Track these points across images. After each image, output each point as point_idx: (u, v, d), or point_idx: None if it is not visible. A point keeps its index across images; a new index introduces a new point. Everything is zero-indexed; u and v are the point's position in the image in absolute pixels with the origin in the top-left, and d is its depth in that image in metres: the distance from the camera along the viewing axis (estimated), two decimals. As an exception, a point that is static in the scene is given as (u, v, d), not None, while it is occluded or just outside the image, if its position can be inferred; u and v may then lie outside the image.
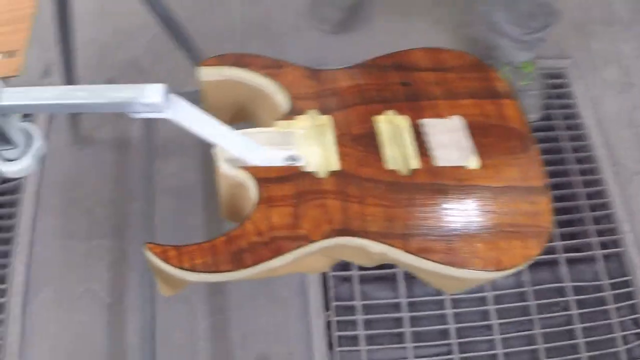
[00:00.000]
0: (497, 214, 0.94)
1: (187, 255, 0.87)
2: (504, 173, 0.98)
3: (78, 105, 0.82)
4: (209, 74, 1.03)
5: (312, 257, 0.93)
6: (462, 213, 0.94)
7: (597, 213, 2.09)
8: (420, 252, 0.90)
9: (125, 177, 2.17)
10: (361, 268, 1.94)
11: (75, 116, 2.09)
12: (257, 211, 0.90)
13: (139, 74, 2.32)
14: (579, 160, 2.20)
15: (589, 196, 2.13)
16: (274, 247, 0.88)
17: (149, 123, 1.91)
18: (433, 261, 0.90)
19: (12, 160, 0.94)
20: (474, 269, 0.90)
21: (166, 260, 0.87)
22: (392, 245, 0.90)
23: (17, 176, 0.93)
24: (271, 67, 1.04)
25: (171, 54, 2.34)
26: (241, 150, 0.93)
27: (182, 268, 0.86)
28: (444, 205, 0.94)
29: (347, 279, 1.94)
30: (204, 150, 2.12)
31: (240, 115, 1.10)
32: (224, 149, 0.95)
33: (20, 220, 2.12)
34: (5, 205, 2.18)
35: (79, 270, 2.01)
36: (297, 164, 0.95)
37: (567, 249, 2.02)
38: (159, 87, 0.81)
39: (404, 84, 1.06)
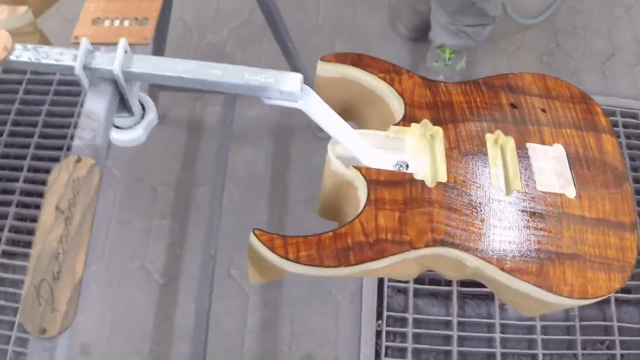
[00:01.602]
0: (588, 244, 0.94)
1: (293, 246, 0.87)
2: (598, 206, 0.98)
3: (211, 82, 0.83)
4: (327, 69, 1.04)
5: (408, 263, 0.94)
6: (556, 239, 0.94)
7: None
8: (513, 272, 0.90)
9: (193, 161, 2.18)
10: (417, 281, 1.94)
11: (153, 92, 2.10)
12: (365, 212, 0.90)
13: (218, 60, 2.34)
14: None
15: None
16: (378, 249, 0.88)
17: (227, 111, 1.91)
18: (525, 282, 0.90)
19: (123, 129, 0.95)
20: (561, 295, 0.90)
21: (272, 248, 0.87)
22: (489, 262, 0.90)
23: (127, 145, 0.94)
24: (389, 72, 1.04)
25: (255, 44, 2.37)
26: (357, 149, 0.93)
27: (286, 258, 0.86)
28: (541, 230, 0.94)
29: (402, 291, 1.95)
30: (276, 145, 2.14)
31: (347, 114, 1.10)
32: (336, 147, 0.95)
33: (82, 192, 2.13)
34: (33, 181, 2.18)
35: (135, 248, 2.03)
36: (406, 170, 0.95)
37: (618, 290, 2.01)
38: (297, 77, 0.82)
39: (512, 106, 1.06)
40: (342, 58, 1.04)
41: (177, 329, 1.91)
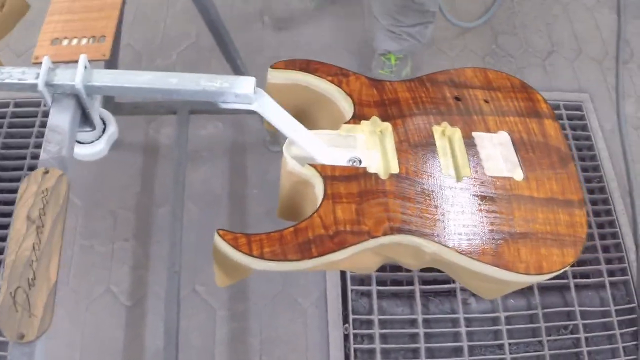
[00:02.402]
0: (539, 222, 0.99)
1: (256, 243, 0.90)
2: (546, 186, 1.03)
3: (170, 90, 0.87)
4: (277, 76, 1.08)
5: (368, 253, 0.97)
6: (508, 220, 0.98)
7: (607, 242, 2.15)
8: (470, 254, 0.94)
9: (151, 183, 2.20)
10: (379, 283, 1.97)
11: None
12: (323, 206, 0.94)
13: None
14: (592, 191, 2.26)
15: (600, 225, 2.19)
16: (338, 240, 0.91)
17: (182, 130, 1.94)
18: (482, 262, 0.94)
19: (86, 144, 0.98)
20: (517, 272, 0.95)
21: (237, 247, 0.90)
22: (446, 246, 0.94)
23: (90, 159, 0.98)
24: (337, 74, 1.09)
25: (204, 66, 2.40)
26: (312, 148, 0.97)
27: (251, 255, 0.89)
28: (493, 212, 0.98)
29: (365, 294, 1.98)
30: (231, 162, 2.17)
31: (298, 118, 1.14)
32: (291, 147, 0.99)
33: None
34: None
35: (99, 272, 2.04)
36: (360, 165, 0.99)
37: (577, 275, 2.06)
38: (250, 80, 0.86)
39: (457, 99, 1.10)
40: (291, 64, 1.08)
41: (147, 349, 1.92)
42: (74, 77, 0.86)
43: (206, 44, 2.47)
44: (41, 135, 2.34)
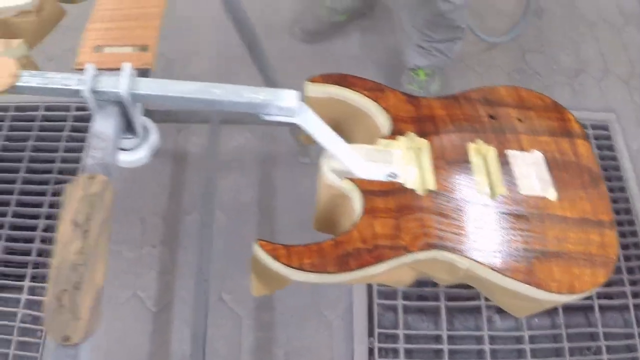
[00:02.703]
0: (571, 242, 0.99)
1: (296, 255, 0.91)
2: (578, 206, 1.03)
3: (214, 101, 0.88)
4: (314, 90, 1.09)
5: (404, 268, 0.98)
6: (541, 239, 0.99)
7: (631, 264, 2.14)
8: (503, 271, 0.95)
9: (180, 190, 2.21)
10: (405, 298, 1.98)
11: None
12: (362, 220, 0.95)
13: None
14: (617, 211, 2.25)
15: (625, 247, 2.18)
16: (376, 254, 0.92)
17: (213, 139, 1.96)
18: (515, 280, 0.95)
19: (128, 150, 0.99)
20: (550, 291, 0.95)
21: (276, 257, 0.91)
22: (480, 263, 0.95)
23: (131, 166, 0.99)
24: (373, 89, 1.10)
25: (235, 74, 2.42)
26: (351, 162, 0.98)
27: (290, 266, 0.91)
28: (526, 230, 0.99)
29: (391, 308, 1.98)
30: (261, 172, 2.18)
31: (335, 131, 1.15)
32: (330, 160, 1.00)
33: (71, 222, 2.14)
34: (58, 206, 2.22)
35: (127, 277, 2.06)
36: (397, 180, 1.00)
37: (601, 296, 2.06)
38: (294, 93, 0.87)
39: (491, 117, 1.11)
40: (329, 78, 1.09)
41: (173, 355, 1.93)
42: (119, 84, 0.87)
43: (237, 53, 2.47)
44: (71, 139, 2.38)
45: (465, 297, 2.01)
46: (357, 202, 0.98)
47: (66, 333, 0.75)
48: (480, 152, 1.07)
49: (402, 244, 0.94)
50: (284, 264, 0.91)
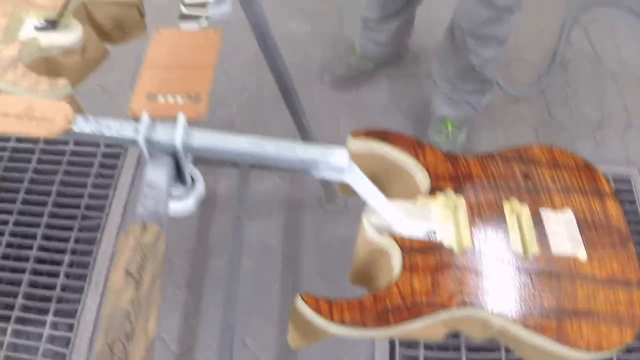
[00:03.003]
0: (600, 301, 1.00)
1: (337, 310, 0.93)
2: (607, 265, 1.05)
3: (266, 157, 0.90)
4: (356, 144, 1.11)
5: (438, 324, 0.99)
6: (571, 297, 1.00)
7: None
8: (535, 329, 0.96)
9: (207, 233, 2.22)
10: (427, 348, 1.98)
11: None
12: (401, 277, 0.97)
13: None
14: (639, 268, 2.24)
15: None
16: (414, 311, 0.94)
17: (243, 184, 1.98)
18: (546, 338, 0.96)
19: (176, 199, 1.01)
20: (579, 349, 0.96)
21: (318, 312, 0.93)
22: (513, 321, 0.97)
23: (178, 215, 1.01)
24: (414, 146, 1.12)
25: (263, 119, 2.44)
26: (393, 219, 1.00)
27: (331, 321, 0.92)
28: (557, 289, 1.01)
29: (413, 359, 1.99)
30: (287, 217, 2.19)
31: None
32: (371, 216, 1.02)
33: (96, 260, 2.18)
34: (83, 241, 2.24)
35: (150, 315, 2.05)
36: (435, 237, 1.02)
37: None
38: (344, 152, 0.89)
39: (525, 176, 1.13)
40: (371, 134, 1.12)
41: (193, 398, 1.94)
42: (174, 135, 0.90)
43: (267, 97, 2.51)
44: (99, 175, 2.41)
45: (486, 349, 2.01)
46: (396, 259, 1.00)
47: (117, 382, 0.76)
48: (515, 211, 1.08)
49: (439, 300, 0.96)
50: (326, 319, 0.92)
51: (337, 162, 0.88)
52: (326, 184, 2.18)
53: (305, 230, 2.26)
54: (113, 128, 0.92)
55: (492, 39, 2.09)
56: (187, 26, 1.13)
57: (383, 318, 0.93)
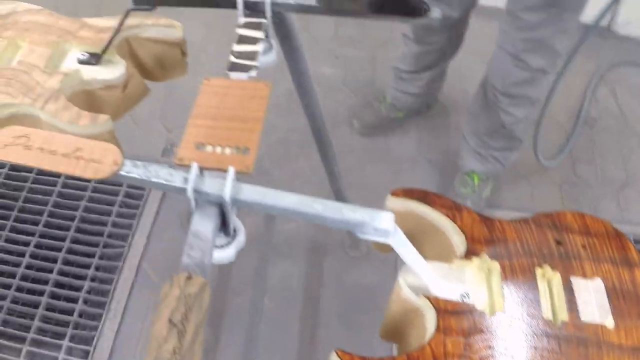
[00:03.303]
0: (626, 370, 1.02)
1: (370, 368, 0.94)
2: (633, 334, 1.05)
3: (314, 216, 0.91)
4: (395, 203, 1.13)
5: (466, 388, 1.00)
6: (599, 365, 1.01)
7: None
8: (564, 397, 0.97)
9: (228, 270, 2.23)
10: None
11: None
12: (435, 338, 0.98)
13: (259, 175, 2.42)
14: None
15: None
16: (446, 373, 0.95)
17: (268, 224, 1.99)
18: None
19: (217, 247, 1.02)
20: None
21: (352, 370, 0.94)
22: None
23: (218, 263, 1.02)
24: (452, 208, 1.13)
25: (291, 161, 2.46)
26: (430, 280, 1.01)
27: (364, 379, 0.93)
28: (584, 356, 1.01)
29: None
30: (310, 260, 2.21)
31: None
32: (407, 275, 1.03)
33: (116, 289, 2.19)
34: (104, 269, 2.26)
35: (168, 352, 2.05)
36: (469, 301, 1.03)
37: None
38: (390, 216, 0.90)
39: (558, 242, 1.14)
40: (410, 194, 1.13)
41: None
42: (223, 188, 0.91)
43: (296, 140, 2.53)
44: (124, 205, 2.43)
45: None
46: (430, 320, 1.01)
47: None
48: (546, 277, 1.09)
49: (470, 364, 0.97)
50: (359, 377, 0.93)
51: (383, 226, 0.89)
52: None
53: (326, 274, 2.27)
54: (161, 176, 0.94)
55: (524, 99, 2.11)
56: (237, 76, 1.14)
57: (415, 379, 0.94)
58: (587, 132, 2.83)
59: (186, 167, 0.96)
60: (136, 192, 2.51)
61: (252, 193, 0.92)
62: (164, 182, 0.94)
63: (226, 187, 0.92)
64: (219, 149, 1.00)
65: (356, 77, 2.93)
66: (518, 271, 1.08)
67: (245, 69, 1.15)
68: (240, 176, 0.95)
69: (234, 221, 1.00)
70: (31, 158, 0.97)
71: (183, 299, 0.85)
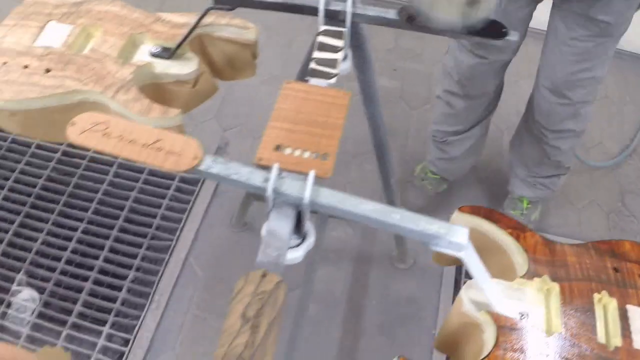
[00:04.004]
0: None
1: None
2: (683, 365, 1.07)
3: (389, 225, 0.93)
4: (461, 219, 1.14)
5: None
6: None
7: None
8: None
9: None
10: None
11: (247, 201, 2.20)
12: (494, 353, 1.00)
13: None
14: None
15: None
16: (504, 388, 0.97)
17: (318, 230, 2.01)
18: None
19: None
20: None
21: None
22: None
23: (289, 263, 1.03)
24: (516, 228, 1.15)
25: (343, 170, 2.47)
26: (493, 297, 1.03)
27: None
28: (634, 382, 1.03)
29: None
30: (355, 269, 2.22)
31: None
32: (470, 291, 1.05)
33: (161, 280, 2.21)
34: (150, 260, 2.29)
35: (208, 345, 2.10)
36: (527, 319, 1.05)
37: None
38: (465, 231, 0.92)
39: (615, 269, 1.16)
40: (477, 211, 1.15)
41: None
42: (303, 191, 0.93)
43: (350, 149, 2.55)
44: (175, 199, 2.45)
45: None
46: (489, 335, 1.02)
47: (230, 422, 0.77)
48: (603, 302, 1.11)
49: (527, 382, 0.98)
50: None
51: (458, 240, 0.91)
52: (400, 243, 2.20)
53: (371, 284, 2.28)
54: (242, 174, 0.96)
55: (570, 132, 2.12)
56: (316, 82, 1.16)
57: (474, 392, 0.96)
58: (636, 162, 2.82)
59: (265, 167, 0.97)
60: (188, 187, 2.54)
61: (331, 197, 0.94)
62: (244, 181, 0.96)
63: (306, 189, 0.93)
64: (297, 152, 1.01)
65: (414, 91, 2.94)
66: (576, 294, 1.10)
67: (326, 76, 1.17)
68: (318, 180, 0.97)
69: (307, 224, 1.02)
70: (110, 146, 0.99)
71: (257, 295, 0.87)
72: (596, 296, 1.10)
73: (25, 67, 1.23)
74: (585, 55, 1.86)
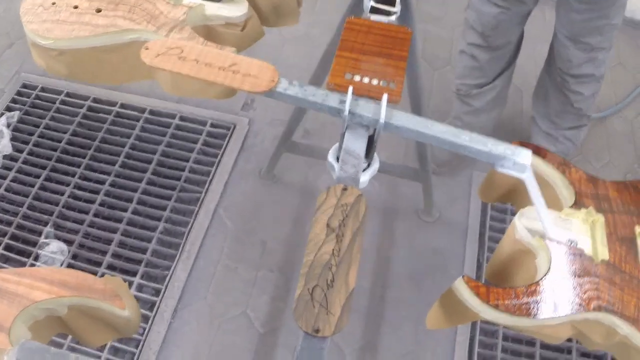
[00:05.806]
0: None
1: (494, 295, 1.01)
2: None
3: (459, 145, 0.99)
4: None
5: (568, 325, 1.07)
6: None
7: None
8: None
9: (302, 222, 2.32)
10: (504, 350, 2.03)
11: (278, 153, 2.26)
12: (547, 277, 1.05)
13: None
14: None
15: None
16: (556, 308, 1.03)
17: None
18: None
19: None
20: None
21: (477, 294, 1.01)
22: (638, 329, 1.04)
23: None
24: (562, 164, 1.20)
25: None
26: (548, 224, 1.08)
27: (487, 304, 1.00)
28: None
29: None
30: (382, 222, 2.27)
31: (508, 196, 1.26)
32: (523, 218, 1.10)
33: (191, 231, 2.25)
34: (179, 212, 2.34)
35: (239, 295, 2.14)
36: (577, 246, 1.10)
37: None
38: (529, 153, 0.97)
39: (654, 206, 1.21)
40: (526, 146, 1.20)
41: (271, 380, 2.00)
42: (379, 112, 0.98)
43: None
44: (202, 152, 2.51)
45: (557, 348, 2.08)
46: (543, 260, 1.08)
47: (317, 325, 0.84)
48: (642, 234, 1.16)
49: (578, 302, 1.04)
50: (482, 301, 1.00)
51: (523, 161, 0.96)
52: (428, 195, 2.24)
53: (398, 236, 2.33)
54: (318, 96, 1.01)
55: (590, 77, 2.18)
56: (377, 18, 1.21)
57: (530, 309, 1.01)
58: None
59: (339, 91, 1.03)
60: (215, 142, 2.58)
61: (404, 119, 0.99)
62: (320, 102, 1.01)
63: (382, 111, 0.98)
64: (366, 79, 1.07)
65: (435, 53, 2.98)
66: (620, 226, 1.15)
67: (387, 13, 1.22)
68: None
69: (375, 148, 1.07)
70: (187, 68, 1.04)
71: (340, 207, 0.92)
72: (637, 228, 1.16)
73: (75, 7, 1.25)
74: (599, 4, 1.93)
